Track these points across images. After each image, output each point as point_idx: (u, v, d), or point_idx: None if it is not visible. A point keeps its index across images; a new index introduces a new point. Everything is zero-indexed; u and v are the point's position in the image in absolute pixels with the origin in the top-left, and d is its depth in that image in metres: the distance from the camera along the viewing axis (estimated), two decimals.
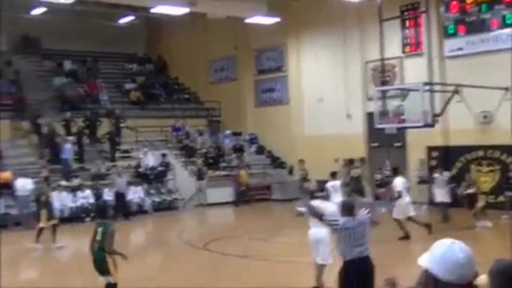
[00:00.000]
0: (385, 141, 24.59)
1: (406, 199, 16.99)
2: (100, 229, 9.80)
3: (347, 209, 7.97)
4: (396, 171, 18.60)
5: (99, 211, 10.58)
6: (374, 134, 24.92)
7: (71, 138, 26.07)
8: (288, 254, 15.57)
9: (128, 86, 32.91)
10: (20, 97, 28.64)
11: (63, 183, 24.16)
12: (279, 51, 30.37)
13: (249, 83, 31.94)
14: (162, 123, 30.01)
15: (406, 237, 16.59)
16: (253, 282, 12.69)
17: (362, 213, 8.22)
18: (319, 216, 8.23)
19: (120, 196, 23.87)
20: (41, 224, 17.45)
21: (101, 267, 9.71)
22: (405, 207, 16.88)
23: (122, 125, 28.32)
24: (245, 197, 27.37)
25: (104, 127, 27.81)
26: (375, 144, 25.96)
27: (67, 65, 32.58)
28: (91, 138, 27.30)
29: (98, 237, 9.74)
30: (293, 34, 29.40)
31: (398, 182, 17.20)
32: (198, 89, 34.36)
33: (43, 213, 17.64)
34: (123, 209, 23.84)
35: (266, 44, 30.66)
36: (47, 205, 18.06)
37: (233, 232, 20.41)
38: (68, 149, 25.33)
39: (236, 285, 12.41)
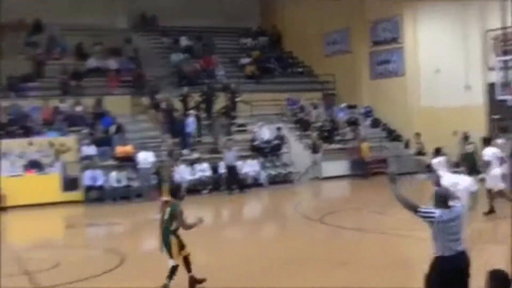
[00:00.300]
0: (509, 112, 23.62)
1: (496, 170, 16.13)
2: (168, 210, 9.91)
3: (442, 200, 7.29)
4: (487, 141, 17.58)
5: (171, 190, 10.51)
6: (495, 105, 24.00)
7: (193, 112, 26.75)
8: (405, 228, 15.23)
9: (243, 60, 33.18)
10: (139, 74, 29.56)
11: (183, 156, 24.79)
12: (394, 21, 29.68)
13: (364, 55, 31.44)
14: (277, 97, 30.12)
15: (491, 211, 15.91)
16: (369, 255, 12.58)
17: (457, 204, 7.57)
18: (413, 209, 7.53)
19: (231, 170, 24.23)
20: (164, 198, 17.69)
21: (166, 248, 9.81)
22: (494, 179, 16.16)
23: (237, 99, 28.65)
24: (364, 170, 27.10)
25: (220, 101, 28.23)
26: (497, 116, 24.96)
27: (184, 41, 33.17)
28: (208, 112, 27.78)
29: (166, 217, 9.86)
30: (408, 4, 28.66)
31: (488, 152, 16.40)
32: (312, 62, 34.20)
33: (165, 186, 17.85)
34: (236, 182, 24.19)
35: (381, 15, 30.02)
36: (169, 178, 18.25)
37: (349, 205, 20.30)
38: (191, 122, 26.08)
39: (351, 257, 12.34)
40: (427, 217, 7.19)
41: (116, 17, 33.05)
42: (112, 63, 30.04)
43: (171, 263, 9.75)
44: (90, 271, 10.98)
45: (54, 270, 11.58)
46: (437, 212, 7.15)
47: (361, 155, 27.25)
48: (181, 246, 9.85)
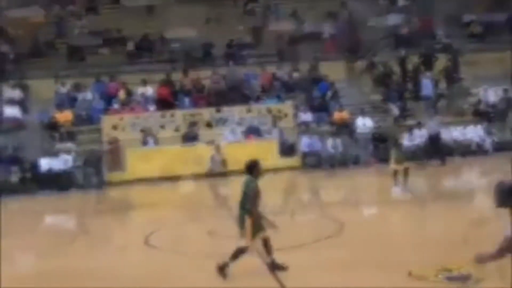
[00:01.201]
0: None
1: None
2: (243, 183, 8.95)
3: None
4: None
5: (247, 166, 9.13)
6: None
7: (429, 73, 26.11)
8: None
9: (466, 18, 31.32)
10: (354, 38, 29.03)
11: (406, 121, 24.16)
12: None
13: None
14: (503, 56, 27.98)
15: None
16: None
17: None
18: None
19: (433, 139, 22.87)
20: (392, 166, 16.75)
21: (239, 224, 8.92)
22: None
23: (460, 60, 27.12)
24: None
25: (440, 63, 27.12)
26: None
27: (400, 1, 32.15)
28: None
29: (241, 191, 8.92)
30: None
31: None
32: None
33: (393, 154, 16.90)
34: (439, 151, 22.69)
35: None
36: (397, 146, 17.26)
37: None
38: (427, 84, 25.39)
39: None
40: None
41: None
42: (328, 28, 29.76)
43: (241, 243, 8.87)
44: (310, 237, 10.92)
45: (273, 235, 11.48)
46: None
47: None
48: (258, 228, 8.88)
